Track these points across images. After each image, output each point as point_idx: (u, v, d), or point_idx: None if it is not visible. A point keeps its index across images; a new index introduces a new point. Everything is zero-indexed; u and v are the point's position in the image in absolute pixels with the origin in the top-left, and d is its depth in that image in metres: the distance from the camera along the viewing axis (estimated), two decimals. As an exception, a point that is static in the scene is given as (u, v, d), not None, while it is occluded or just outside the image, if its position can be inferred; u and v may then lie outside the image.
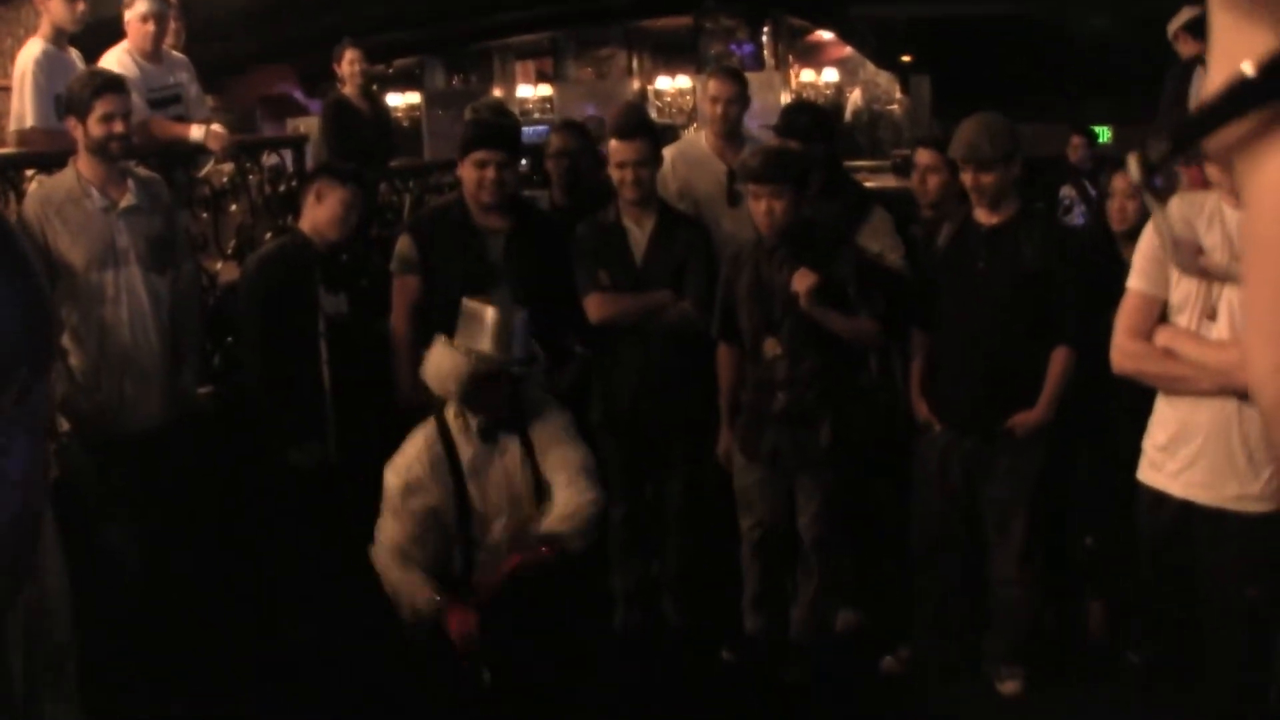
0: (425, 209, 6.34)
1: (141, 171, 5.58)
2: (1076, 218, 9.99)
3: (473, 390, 4.63)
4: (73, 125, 5.25)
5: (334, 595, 5.51)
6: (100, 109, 5.18)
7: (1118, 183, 5.70)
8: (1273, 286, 0.48)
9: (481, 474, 4.73)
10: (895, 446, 5.68)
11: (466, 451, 4.72)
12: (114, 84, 5.32)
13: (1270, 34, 0.47)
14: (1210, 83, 0.50)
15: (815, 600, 5.66)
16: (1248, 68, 0.47)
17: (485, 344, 4.59)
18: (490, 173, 5.47)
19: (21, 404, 2.80)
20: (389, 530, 4.65)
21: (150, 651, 5.16)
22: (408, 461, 4.71)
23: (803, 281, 5.16)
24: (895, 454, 5.69)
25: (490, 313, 4.60)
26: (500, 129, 5.83)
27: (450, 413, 4.77)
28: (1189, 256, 3.84)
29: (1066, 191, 10.56)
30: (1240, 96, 0.47)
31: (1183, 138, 0.53)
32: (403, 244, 5.71)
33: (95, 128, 5.19)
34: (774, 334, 5.35)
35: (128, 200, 5.32)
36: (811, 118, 6.12)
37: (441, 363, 4.67)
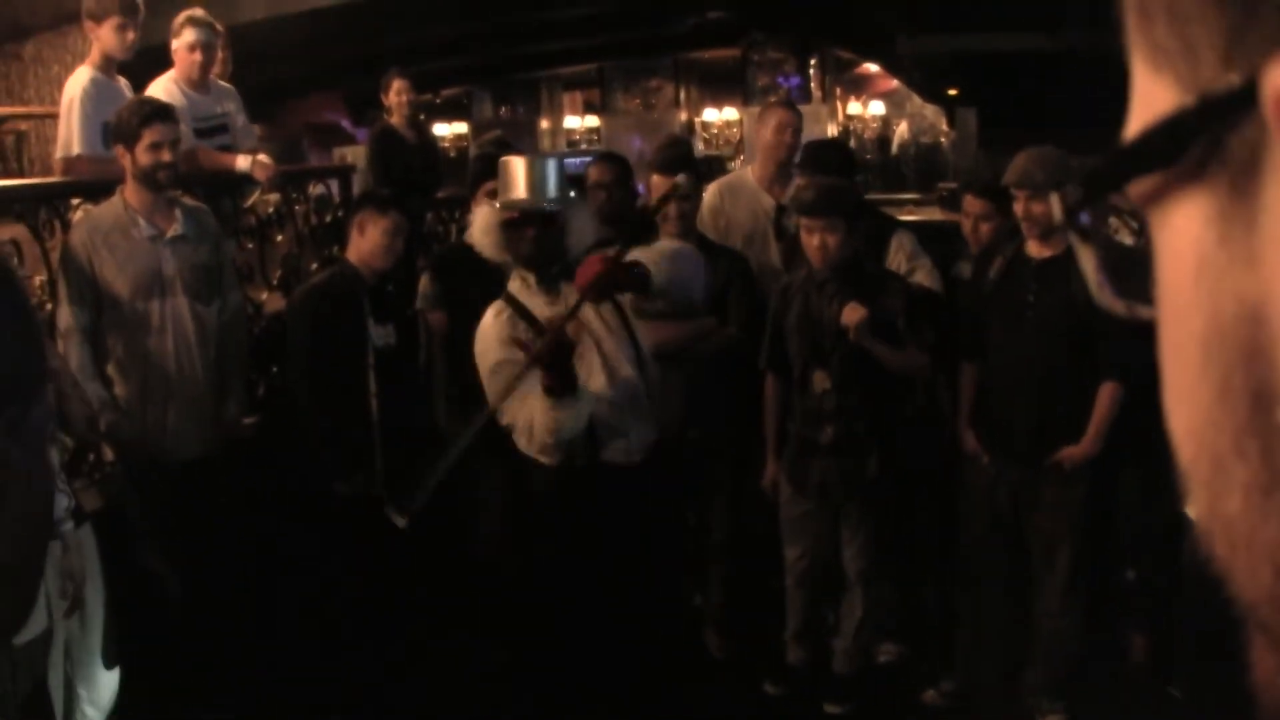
0: (445, 246, 6.37)
1: (189, 201, 5.62)
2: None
3: (511, 238, 4.59)
4: (121, 153, 5.29)
5: (376, 627, 5.52)
6: (149, 137, 5.22)
7: None
8: (1177, 346, 0.49)
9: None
10: (941, 478, 5.67)
11: (536, 306, 4.62)
12: (163, 113, 5.35)
13: (1172, 92, 0.47)
14: (1127, 131, 0.51)
15: (859, 632, 5.66)
16: (1144, 126, 0.48)
17: (516, 192, 4.56)
18: None
19: (13, 433, 2.82)
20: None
21: (189, 677, 5.17)
22: (486, 344, 4.60)
23: (853, 315, 5.16)
24: (941, 485, 5.68)
25: (518, 161, 4.59)
26: None
27: (514, 280, 4.71)
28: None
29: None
30: (1140, 155, 0.48)
31: (1093, 187, 0.52)
32: (424, 283, 5.78)
33: (143, 156, 5.22)
34: (823, 367, 5.35)
35: (175, 229, 5.35)
36: (838, 154, 6.16)
37: (479, 221, 4.68)
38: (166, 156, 5.27)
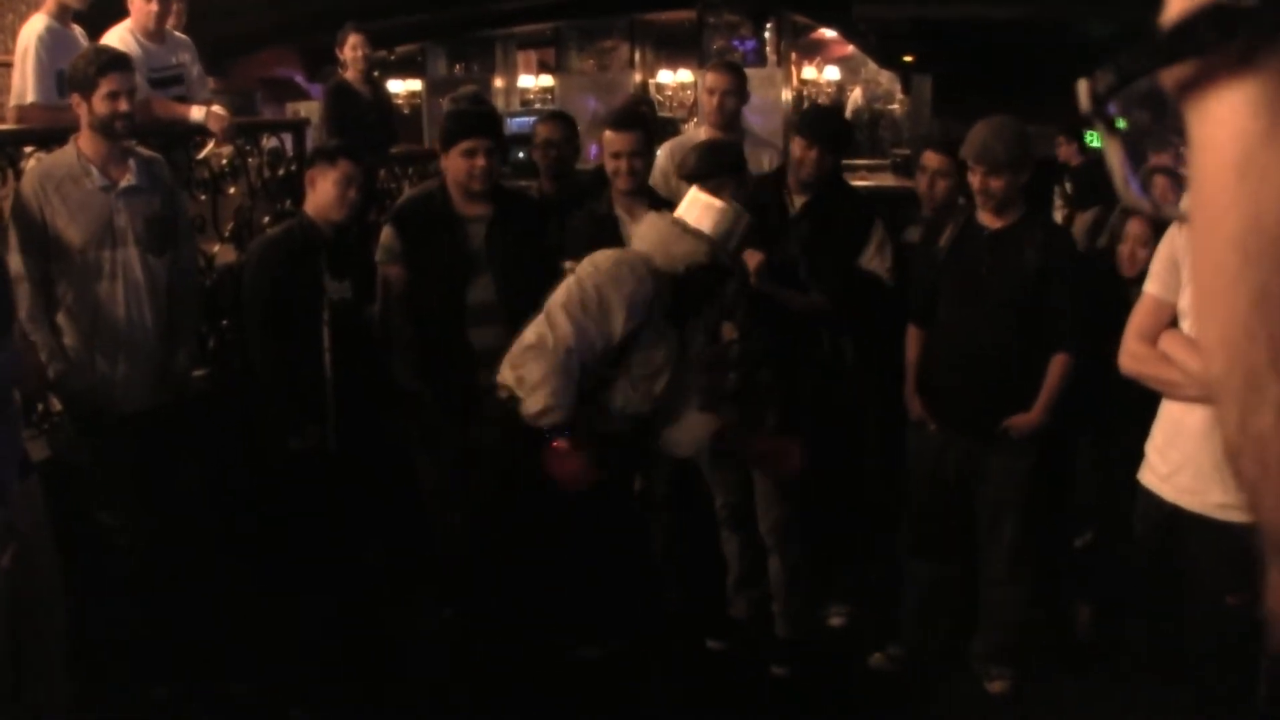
0: (406, 198, 6.35)
1: (144, 151, 5.57)
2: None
3: (690, 280, 4.55)
4: (76, 102, 5.24)
5: (330, 581, 5.53)
6: (106, 87, 5.17)
7: (1132, 228, 5.69)
8: (1211, 250, 0.47)
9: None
10: (848, 434, 5.72)
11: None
12: (121, 62, 5.31)
13: None
14: (1167, 14, 0.48)
15: (789, 595, 5.73)
16: (1187, 6, 0.45)
17: (712, 233, 4.51)
18: (480, 160, 5.48)
19: None
20: (564, 328, 4.45)
21: (140, 633, 5.16)
22: (633, 272, 4.55)
23: (752, 259, 5.31)
24: (872, 446, 5.73)
25: (722, 207, 4.58)
26: (486, 117, 5.92)
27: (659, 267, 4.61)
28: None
29: None
30: (1182, 38, 0.45)
31: (1126, 72, 0.49)
32: (386, 234, 5.73)
33: (100, 105, 5.18)
34: (731, 318, 5.42)
35: (128, 180, 5.31)
36: (838, 127, 6.22)
37: (678, 245, 4.55)
38: (123, 106, 5.22)
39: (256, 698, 5.26)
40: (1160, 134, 0.50)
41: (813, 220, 5.76)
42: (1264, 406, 0.45)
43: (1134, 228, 5.65)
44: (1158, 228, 5.29)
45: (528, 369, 4.41)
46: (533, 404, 4.40)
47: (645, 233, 4.68)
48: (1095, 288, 5.35)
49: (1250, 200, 0.43)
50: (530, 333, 4.46)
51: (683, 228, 4.53)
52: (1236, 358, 0.46)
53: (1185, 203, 0.51)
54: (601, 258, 4.59)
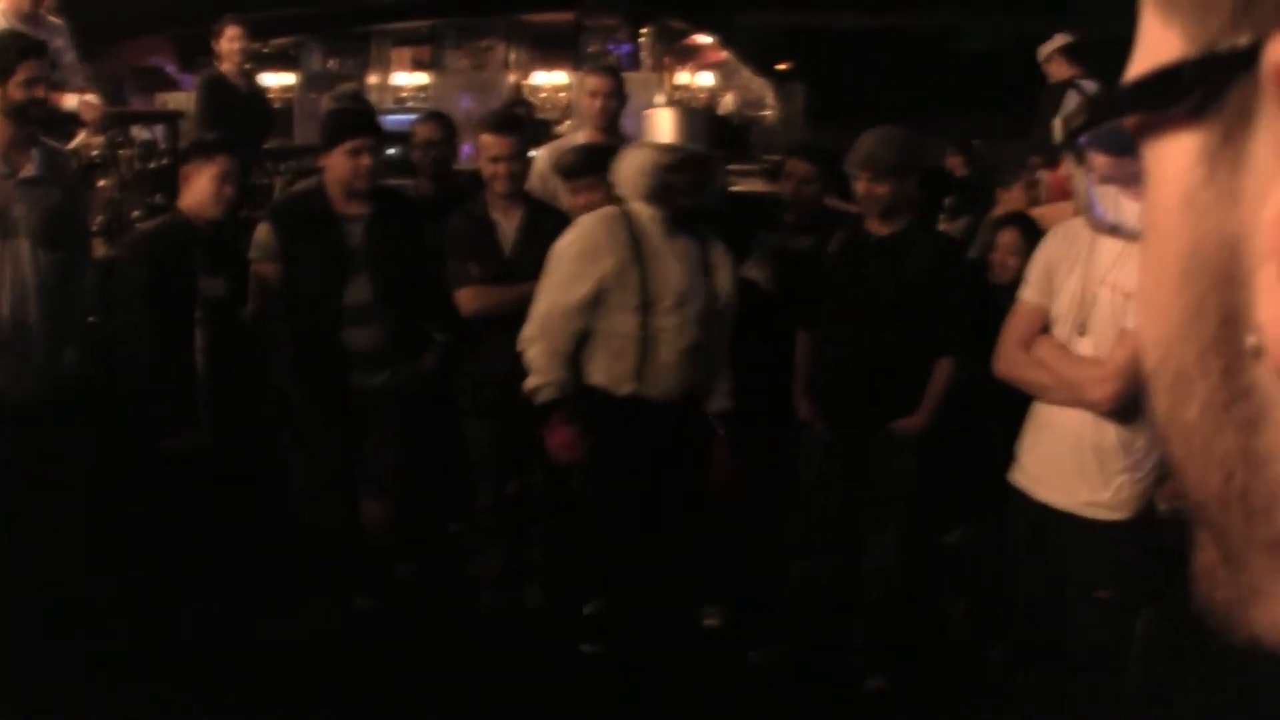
0: (285, 196, 6.33)
1: (49, 142, 5.48)
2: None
3: (663, 181, 4.94)
4: (-11, 87, 5.14)
5: (207, 581, 5.48)
6: (24, 73, 5.08)
7: (1003, 238, 5.89)
8: (1157, 264, 0.54)
9: (661, 260, 5.03)
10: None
11: (654, 239, 5.04)
12: (39, 48, 5.24)
13: (1179, 42, 0.52)
14: (1131, 69, 0.55)
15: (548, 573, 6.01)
16: (1149, 68, 0.53)
17: (668, 137, 5.01)
18: (365, 159, 5.50)
19: None
20: (556, 297, 5.07)
21: (17, 627, 5.07)
22: (590, 229, 5.05)
23: None
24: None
25: (667, 112, 4.94)
26: (368, 115, 6.01)
27: (635, 205, 5.05)
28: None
29: None
30: (1143, 93, 0.53)
31: (1095, 115, 0.57)
32: (262, 231, 5.71)
33: (16, 91, 5.08)
34: None
35: (29, 170, 5.21)
36: (719, 129, 6.34)
37: (630, 162, 5.04)
38: (40, 93, 5.15)
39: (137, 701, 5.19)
40: (1121, 167, 0.60)
41: None
42: (1190, 400, 0.52)
43: (1005, 237, 5.84)
44: (1029, 238, 5.47)
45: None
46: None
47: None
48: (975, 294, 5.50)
49: (1191, 230, 0.51)
50: None
51: None
52: (1170, 357, 0.54)
53: (1135, 223, 0.59)
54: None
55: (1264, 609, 0.52)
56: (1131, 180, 0.57)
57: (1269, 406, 0.49)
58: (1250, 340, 0.49)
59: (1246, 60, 0.48)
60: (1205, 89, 0.50)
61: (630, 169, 5.04)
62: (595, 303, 5.03)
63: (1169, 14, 0.53)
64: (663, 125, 4.94)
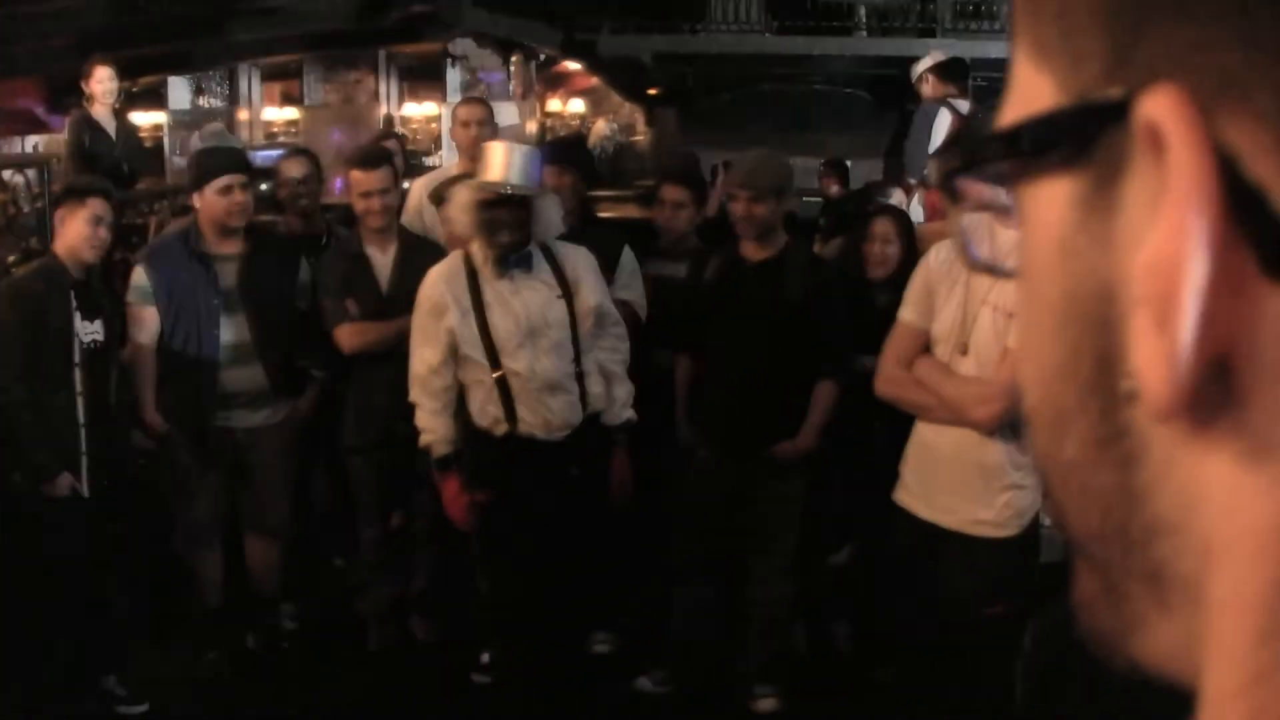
0: (159, 238, 6.33)
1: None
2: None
3: (485, 218, 4.90)
4: None
5: (92, 622, 5.46)
6: None
7: (877, 227, 5.78)
8: (1035, 307, 0.55)
9: (502, 304, 5.03)
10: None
11: (488, 281, 5.05)
12: None
13: (1052, 90, 0.53)
14: (1003, 115, 0.56)
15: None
16: (1022, 116, 0.54)
17: (492, 174, 4.89)
18: (238, 196, 5.53)
19: None
20: (420, 356, 5.10)
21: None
22: (432, 283, 5.08)
23: None
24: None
25: (497, 148, 5.02)
26: (239, 153, 6.01)
27: (476, 247, 5.05)
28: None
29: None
30: (1017, 140, 0.53)
31: (969, 159, 0.57)
32: (137, 276, 5.70)
33: None
34: None
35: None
36: (585, 155, 6.43)
37: (456, 200, 5.02)
38: None
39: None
40: (996, 195, 0.60)
41: None
42: (1068, 439, 0.54)
43: (879, 227, 5.74)
44: (903, 225, 5.62)
45: None
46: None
47: None
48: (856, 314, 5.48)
49: (1066, 274, 0.53)
50: None
51: None
52: (1049, 397, 0.56)
53: (1009, 258, 0.62)
54: None
55: (1144, 638, 0.54)
56: (1007, 209, 0.58)
57: (1144, 445, 0.51)
58: (1125, 384, 0.50)
59: (1119, 112, 0.49)
60: (1078, 138, 0.51)
61: (455, 207, 5.04)
62: (453, 356, 5.07)
63: (1041, 61, 0.54)
64: (491, 162, 4.93)
